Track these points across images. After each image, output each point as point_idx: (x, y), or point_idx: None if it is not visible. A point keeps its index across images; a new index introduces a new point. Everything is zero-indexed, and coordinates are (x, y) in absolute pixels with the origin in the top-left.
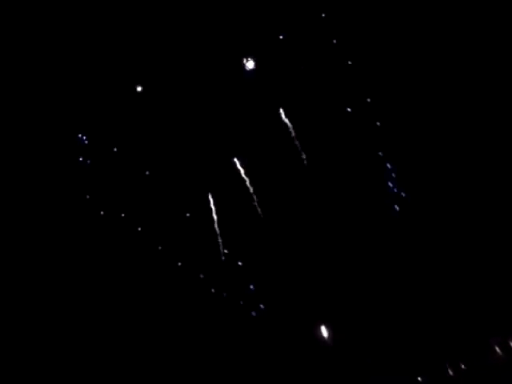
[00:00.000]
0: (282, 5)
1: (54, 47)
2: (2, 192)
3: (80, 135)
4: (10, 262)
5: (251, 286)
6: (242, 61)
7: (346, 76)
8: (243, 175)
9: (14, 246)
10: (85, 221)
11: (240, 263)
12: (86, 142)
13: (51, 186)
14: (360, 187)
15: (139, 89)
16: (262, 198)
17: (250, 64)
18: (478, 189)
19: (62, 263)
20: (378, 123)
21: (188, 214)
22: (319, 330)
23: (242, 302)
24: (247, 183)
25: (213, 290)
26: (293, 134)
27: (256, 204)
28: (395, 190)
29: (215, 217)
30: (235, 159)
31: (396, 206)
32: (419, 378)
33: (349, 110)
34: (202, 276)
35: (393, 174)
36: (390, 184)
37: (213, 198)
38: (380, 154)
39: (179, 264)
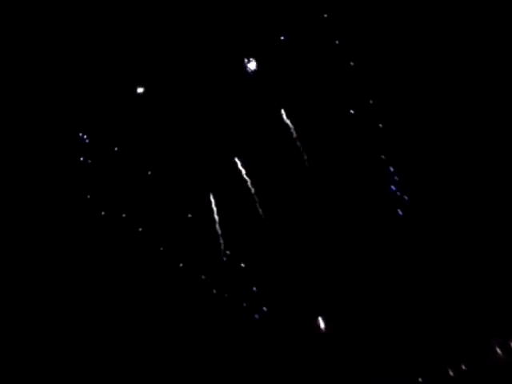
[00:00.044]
0: (283, 5)
1: (54, 45)
2: (2, 192)
3: (81, 134)
4: (10, 262)
5: (254, 288)
6: (244, 62)
7: (349, 78)
8: (244, 176)
9: (14, 246)
10: (85, 221)
11: (242, 265)
12: (87, 141)
13: (51, 185)
14: (362, 190)
15: (141, 89)
16: (264, 199)
17: (251, 65)
18: (479, 190)
19: (63, 264)
20: (381, 125)
21: (190, 215)
22: (320, 330)
23: (244, 304)
24: (249, 184)
25: (214, 291)
26: (294, 135)
27: (257, 205)
28: (398, 194)
29: (217, 217)
30: (236, 160)
31: (399, 209)
32: (419, 379)
33: (352, 111)
34: (203, 277)
35: (395, 177)
36: (393, 187)
37: (214, 198)
38: (383, 156)
39: (180, 265)
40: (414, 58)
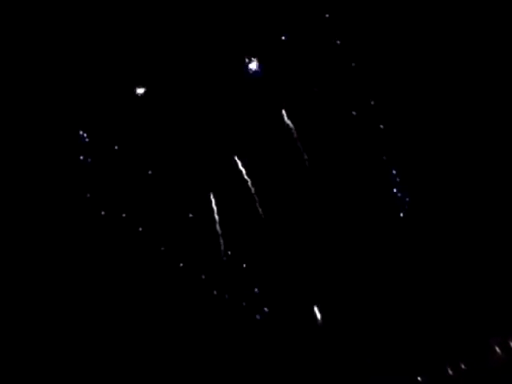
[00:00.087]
0: (284, 5)
1: (54, 44)
2: (1, 191)
3: (81, 133)
4: (9, 260)
5: (256, 290)
6: (245, 62)
7: (351, 78)
8: (245, 176)
9: (13, 245)
10: (85, 221)
11: (242, 265)
12: (87, 140)
13: (51, 184)
14: (364, 191)
15: (141, 88)
16: (264, 199)
17: (252, 65)
18: (479, 191)
19: (62, 263)
20: (382, 126)
21: (191, 215)
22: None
23: (245, 305)
24: (249, 184)
25: (215, 292)
26: (295, 136)
27: (258, 205)
28: (399, 195)
29: (217, 217)
30: (237, 160)
31: (400, 210)
32: (419, 378)
33: (353, 113)
34: (203, 277)
35: (397, 179)
36: (395, 189)
37: (214, 198)
38: (384, 158)
39: (181, 265)
40: (415, 60)
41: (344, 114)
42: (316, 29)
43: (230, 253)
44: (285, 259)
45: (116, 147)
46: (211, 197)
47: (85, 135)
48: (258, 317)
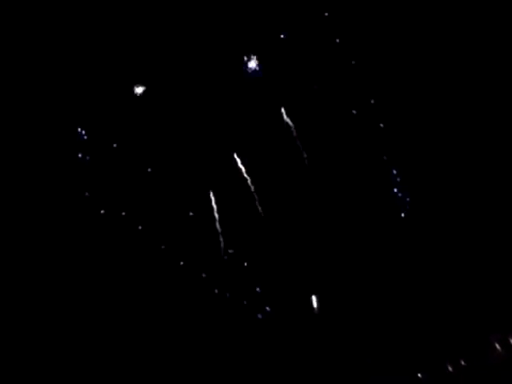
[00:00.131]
0: (283, 3)
1: (53, 43)
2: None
3: (79, 130)
4: (6, 260)
5: (257, 289)
6: (244, 60)
7: (351, 78)
8: (244, 174)
9: (10, 244)
10: (84, 219)
11: (243, 263)
12: (85, 137)
13: (48, 183)
14: (364, 190)
15: (141, 86)
16: (264, 198)
17: (251, 63)
18: (480, 191)
19: (61, 263)
20: (382, 125)
21: (191, 213)
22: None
23: (246, 304)
24: (249, 182)
25: (216, 291)
26: (294, 134)
27: (257, 203)
28: (400, 195)
29: (216, 215)
30: (236, 158)
31: (401, 210)
32: (419, 375)
33: (354, 111)
34: (204, 276)
35: (397, 178)
36: (395, 189)
37: (214, 196)
38: (384, 157)
39: (181, 263)
40: (416, 59)
41: (344, 113)
42: (315, 26)
43: (230, 251)
44: (285, 258)
45: (115, 145)
46: (211, 195)
47: (83, 132)
48: (259, 316)
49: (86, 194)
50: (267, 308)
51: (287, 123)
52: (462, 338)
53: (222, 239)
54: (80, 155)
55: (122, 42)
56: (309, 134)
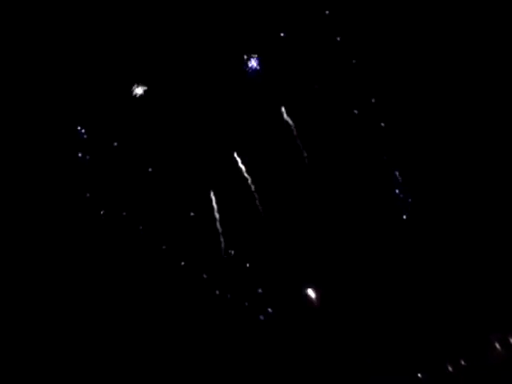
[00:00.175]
0: (283, 2)
1: (52, 42)
2: None
3: (79, 129)
4: (6, 260)
5: (259, 290)
6: (244, 59)
7: (352, 76)
8: (245, 174)
9: (10, 245)
10: (85, 220)
11: (243, 264)
12: (85, 136)
13: (48, 183)
14: (365, 189)
15: (141, 85)
16: (264, 197)
17: (251, 62)
18: (481, 192)
19: (61, 264)
20: (383, 124)
21: (191, 213)
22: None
23: (248, 305)
24: (249, 182)
25: (217, 292)
26: (295, 133)
27: (258, 202)
28: (401, 196)
29: (217, 215)
30: (237, 157)
31: (402, 211)
32: (419, 375)
33: (355, 111)
34: (205, 276)
35: (399, 179)
36: (397, 190)
37: (215, 196)
38: (385, 158)
39: (182, 263)
40: (418, 58)
41: (345, 113)
42: (316, 25)
43: (232, 252)
44: (285, 258)
45: (115, 144)
46: (211, 195)
47: (83, 131)
48: (261, 317)
49: (87, 193)
50: (269, 310)
51: (287, 122)
52: (462, 338)
53: (222, 239)
54: (80, 155)
55: (121, 42)
56: (309, 133)
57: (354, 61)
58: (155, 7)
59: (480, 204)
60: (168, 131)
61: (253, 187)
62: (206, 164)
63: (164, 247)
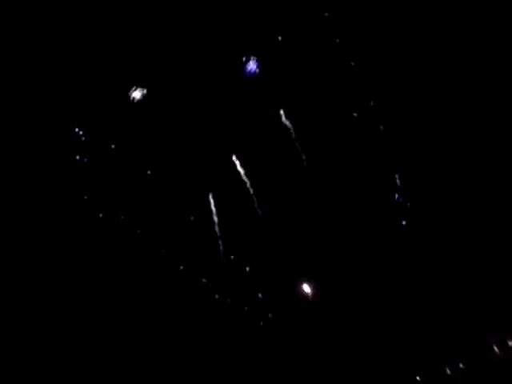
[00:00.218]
0: (283, 4)
1: (52, 44)
2: None
3: (76, 131)
4: (4, 261)
5: (260, 295)
6: (243, 62)
7: (352, 79)
8: (244, 177)
9: (8, 247)
10: (82, 223)
11: (242, 268)
12: (83, 138)
13: (46, 185)
14: (364, 195)
15: (140, 88)
16: (263, 200)
17: (250, 65)
18: (479, 196)
19: (59, 267)
20: (382, 127)
21: (191, 217)
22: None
23: (247, 309)
24: (248, 185)
25: (217, 296)
26: (293, 136)
27: (256, 206)
28: (401, 201)
29: (216, 219)
30: (235, 160)
31: (402, 216)
32: (418, 378)
33: (354, 114)
34: (204, 281)
35: (398, 184)
36: (396, 195)
37: (213, 199)
38: (385, 162)
39: (181, 268)
40: (417, 61)
41: (345, 117)
42: (315, 27)
43: (231, 256)
44: (284, 261)
45: (113, 146)
46: (210, 198)
47: (80, 133)
48: (261, 323)
49: (84, 196)
50: (269, 314)
51: (286, 125)
52: (461, 341)
53: (221, 243)
54: (78, 157)
55: (120, 44)
56: (308, 137)
57: (352, 63)
58: (154, 9)
59: (479, 209)
60: (167, 134)
61: (251, 190)
62: (205, 167)
63: (163, 251)
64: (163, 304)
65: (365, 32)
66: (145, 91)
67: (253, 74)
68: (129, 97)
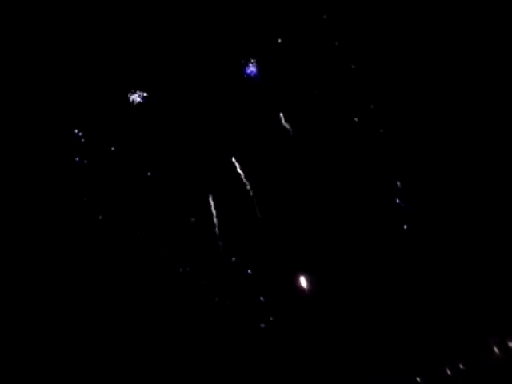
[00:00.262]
0: (281, 7)
1: (50, 45)
2: None
3: (76, 133)
4: (3, 263)
5: (261, 298)
6: (242, 64)
7: (353, 82)
8: (243, 179)
9: (7, 248)
10: (82, 225)
11: (242, 270)
12: (83, 140)
13: (45, 187)
14: (365, 199)
15: (138, 90)
16: (263, 203)
17: (249, 68)
18: (480, 199)
19: (58, 269)
20: (382, 131)
21: (191, 219)
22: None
23: (248, 311)
24: (247, 187)
25: (217, 299)
26: (293, 139)
27: (256, 208)
28: (402, 205)
29: (216, 221)
30: (235, 162)
31: (403, 220)
32: (418, 378)
33: (355, 119)
34: (204, 283)
35: (399, 188)
36: (397, 200)
37: (213, 201)
38: (386, 166)
39: (180, 270)
40: (418, 64)
41: (345, 120)
42: (315, 30)
43: (232, 257)
44: (284, 263)
45: (113, 148)
46: (210, 200)
47: (80, 134)
48: (262, 325)
49: (84, 198)
50: (271, 318)
51: (286, 128)
52: (461, 341)
53: (221, 245)
54: (77, 159)
55: (119, 46)
56: (309, 140)
57: (353, 66)
58: (154, 12)
59: (479, 212)
60: (166, 136)
61: (251, 193)
62: (205, 169)
63: (162, 253)
64: (164, 306)
65: (365, 35)
66: (145, 93)
67: (252, 77)
68: (129, 99)
